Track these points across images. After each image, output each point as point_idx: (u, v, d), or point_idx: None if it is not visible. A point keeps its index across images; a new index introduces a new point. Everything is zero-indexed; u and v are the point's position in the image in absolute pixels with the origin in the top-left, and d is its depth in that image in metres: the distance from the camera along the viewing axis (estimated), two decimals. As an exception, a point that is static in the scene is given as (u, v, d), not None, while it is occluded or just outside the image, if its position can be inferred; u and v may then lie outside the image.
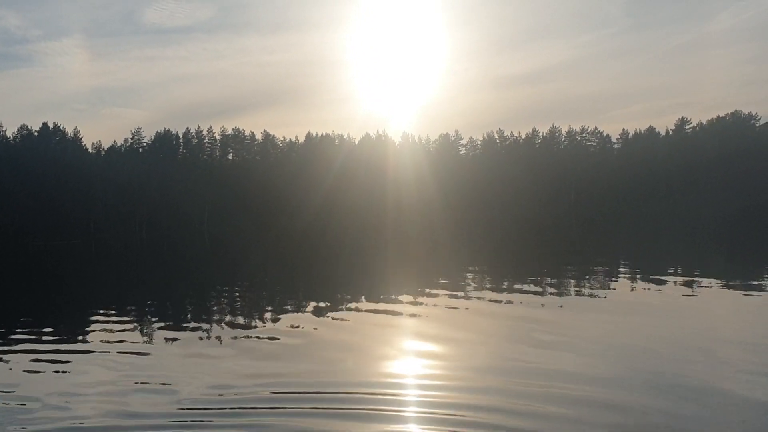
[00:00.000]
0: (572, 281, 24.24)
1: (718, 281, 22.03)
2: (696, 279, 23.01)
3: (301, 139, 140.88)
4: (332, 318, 18.12)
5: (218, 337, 15.83)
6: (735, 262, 29.70)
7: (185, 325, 17.96)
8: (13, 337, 16.88)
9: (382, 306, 19.50)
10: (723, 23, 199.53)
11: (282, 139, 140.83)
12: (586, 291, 21.20)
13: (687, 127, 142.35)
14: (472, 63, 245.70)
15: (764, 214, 77.96)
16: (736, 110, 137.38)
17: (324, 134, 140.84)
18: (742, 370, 10.85)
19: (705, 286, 21.06)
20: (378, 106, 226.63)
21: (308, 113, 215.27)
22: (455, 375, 11.36)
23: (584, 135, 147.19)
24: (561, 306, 18.46)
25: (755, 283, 21.28)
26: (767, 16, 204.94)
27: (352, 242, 58.28)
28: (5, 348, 15.38)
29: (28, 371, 12.86)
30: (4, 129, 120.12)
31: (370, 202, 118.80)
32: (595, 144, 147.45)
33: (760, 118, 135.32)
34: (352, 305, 20.18)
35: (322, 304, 20.73)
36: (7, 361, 13.84)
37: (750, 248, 36.91)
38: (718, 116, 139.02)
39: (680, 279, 23.24)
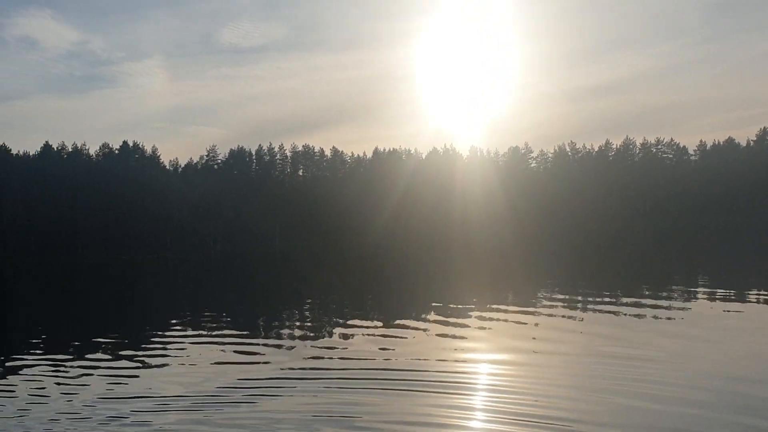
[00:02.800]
0: (647, 297, 23.55)
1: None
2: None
3: (369, 154, 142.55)
4: (399, 329, 18.35)
5: (290, 343, 16.41)
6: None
7: (258, 330, 18.58)
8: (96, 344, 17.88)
9: (451, 320, 19.54)
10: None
11: (350, 155, 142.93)
12: (663, 307, 20.55)
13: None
14: (545, 76, 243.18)
15: None
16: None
17: (391, 149, 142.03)
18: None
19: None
20: (446, 122, 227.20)
21: (377, 129, 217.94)
22: (520, 381, 11.42)
23: (660, 147, 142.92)
24: (636, 321, 18.06)
25: None
26: None
27: (420, 257, 58.42)
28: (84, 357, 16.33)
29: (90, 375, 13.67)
30: (87, 147, 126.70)
31: (438, 217, 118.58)
32: (671, 156, 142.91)
33: None
34: (420, 318, 20.34)
35: (389, 318, 20.91)
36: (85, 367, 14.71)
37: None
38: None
39: (763, 297, 22.33)
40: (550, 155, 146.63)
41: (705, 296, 23.25)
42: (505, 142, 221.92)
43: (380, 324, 19.63)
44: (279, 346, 16.69)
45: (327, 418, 9.81)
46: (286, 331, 19.68)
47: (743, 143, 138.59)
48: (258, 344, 17.05)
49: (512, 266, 44.10)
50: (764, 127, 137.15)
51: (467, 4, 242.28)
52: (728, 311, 19.71)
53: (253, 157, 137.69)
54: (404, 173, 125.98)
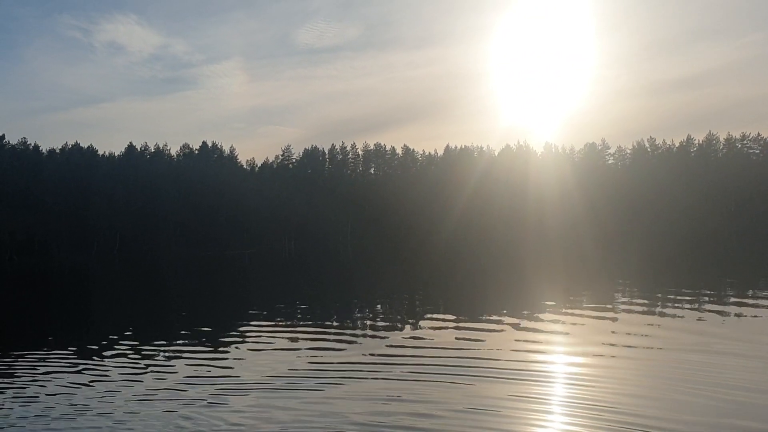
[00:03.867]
0: (732, 298, 22.69)
1: None
2: None
3: (440, 152, 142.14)
4: (471, 325, 18.33)
5: (362, 334, 16.73)
6: None
7: (332, 322, 19.02)
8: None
9: (525, 317, 19.40)
10: None
11: (422, 152, 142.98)
12: (749, 309, 19.73)
13: None
14: (624, 69, 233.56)
15: None
16: None
17: (463, 147, 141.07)
18: None
19: None
20: (520, 118, 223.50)
21: (449, 126, 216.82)
22: (595, 375, 11.24)
23: (745, 142, 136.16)
24: (722, 323, 17.43)
25: None
26: None
27: (494, 255, 57.93)
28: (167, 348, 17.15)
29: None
30: (168, 148, 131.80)
31: (512, 215, 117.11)
32: (757, 152, 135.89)
33: None
34: (493, 315, 20.23)
35: (461, 314, 20.95)
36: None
37: None
38: None
39: None
40: (629, 151, 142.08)
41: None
42: (582, 138, 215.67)
43: (452, 319, 19.76)
44: (351, 337, 17.07)
45: (398, 404, 10.08)
46: (358, 324, 20.13)
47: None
48: (331, 335, 17.53)
49: (590, 265, 43.19)
50: None
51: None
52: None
53: (326, 156, 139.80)
54: (476, 171, 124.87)
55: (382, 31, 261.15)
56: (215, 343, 17.08)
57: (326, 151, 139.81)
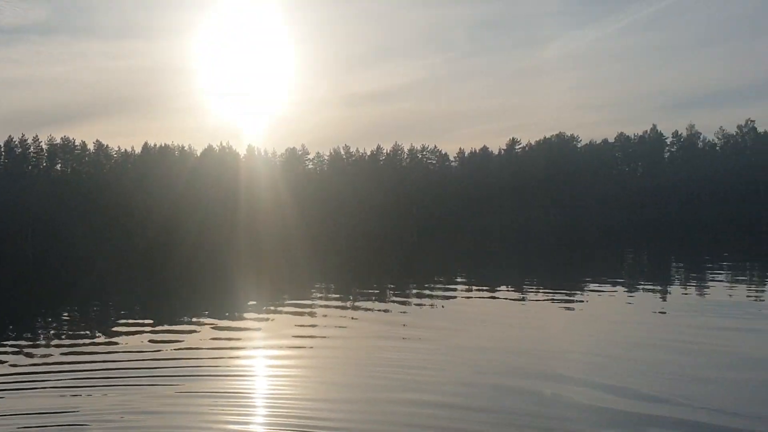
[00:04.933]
0: (413, 292, 25.33)
1: (544, 292, 23.99)
2: (525, 291, 24.89)
3: (138, 149, 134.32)
4: (170, 331, 17.65)
5: (39, 343, 14.99)
6: (559, 274, 32.44)
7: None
8: None
9: (226, 321, 19.29)
10: (555, 51, 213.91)
11: (117, 149, 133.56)
12: (426, 302, 22.11)
13: (517, 147, 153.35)
14: (322, 80, 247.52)
15: (584, 228, 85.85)
16: (560, 132, 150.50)
17: (163, 145, 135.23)
18: (574, 369, 12.12)
19: (533, 299, 22.71)
20: (228, 119, 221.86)
21: (149, 123, 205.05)
22: (295, 375, 11.70)
23: (425, 153, 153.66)
24: (404, 313, 19.28)
25: (578, 293, 23.36)
26: (592, 47, 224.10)
27: (199, 257, 56.47)
28: None
29: None
30: None
31: (221, 217, 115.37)
32: (434, 162, 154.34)
33: (581, 140, 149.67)
34: (193, 320, 19.68)
35: (159, 320, 19.95)
36: None
37: (573, 261, 40.57)
38: (545, 137, 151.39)
39: (511, 291, 25.02)
40: (326, 158, 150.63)
41: (462, 290, 25.58)
42: (287, 143, 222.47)
43: (149, 324, 18.88)
44: (22, 349, 15.17)
45: (67, 415, 9.34)
46: (39, 334, 17.89)
47: (495, 152, 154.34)
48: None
49: (293, 266, 44.51)
50: (513, 138, 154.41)
51: (241, 1, 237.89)
52: (472, 305, 21.91)
53: (2, 149, 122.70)
54: (182, 171, 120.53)
55: (75, 17, 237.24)
56: None
57: (2, 144, 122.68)
